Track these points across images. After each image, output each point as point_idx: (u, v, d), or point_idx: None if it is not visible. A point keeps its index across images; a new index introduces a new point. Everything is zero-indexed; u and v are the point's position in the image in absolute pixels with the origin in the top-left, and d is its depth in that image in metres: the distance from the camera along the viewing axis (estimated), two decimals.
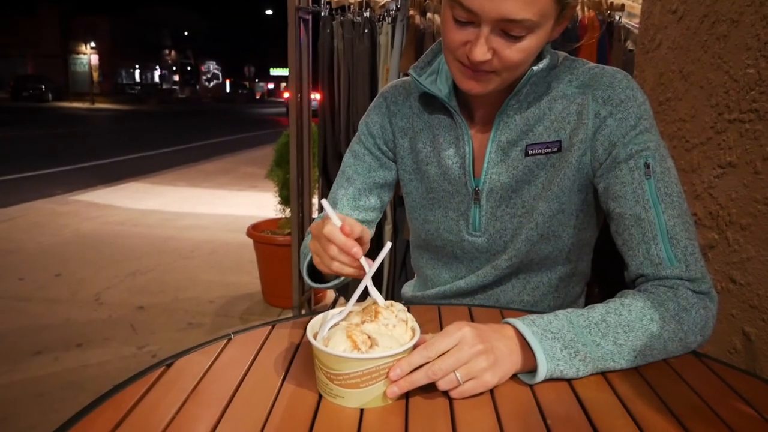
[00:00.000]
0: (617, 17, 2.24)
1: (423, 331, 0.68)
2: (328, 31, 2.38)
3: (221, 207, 5.60)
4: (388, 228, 2.51)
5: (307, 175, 2.64)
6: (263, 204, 4.38)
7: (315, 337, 0.63)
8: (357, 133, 1.05)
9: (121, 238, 4.34)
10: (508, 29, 0.74)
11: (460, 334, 0.65)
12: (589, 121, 0.85)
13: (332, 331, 0.63)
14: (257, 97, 58.80)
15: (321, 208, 0.76)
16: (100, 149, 10.61)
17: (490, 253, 0.95)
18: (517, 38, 0.75)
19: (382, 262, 2.54)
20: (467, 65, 0.79)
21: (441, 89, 0.92)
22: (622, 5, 2.24)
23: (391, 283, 2.55)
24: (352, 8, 2.38)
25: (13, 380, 2.25)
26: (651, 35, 1.61)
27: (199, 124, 19.52)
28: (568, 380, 0.70)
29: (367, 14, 2.34)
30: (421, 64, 0.94)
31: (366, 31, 2.32)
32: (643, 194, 0.80)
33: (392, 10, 2.34)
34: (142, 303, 3.07)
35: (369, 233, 0.80)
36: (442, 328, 0.76)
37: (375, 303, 0.67)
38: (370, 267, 0.71)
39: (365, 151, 1.02)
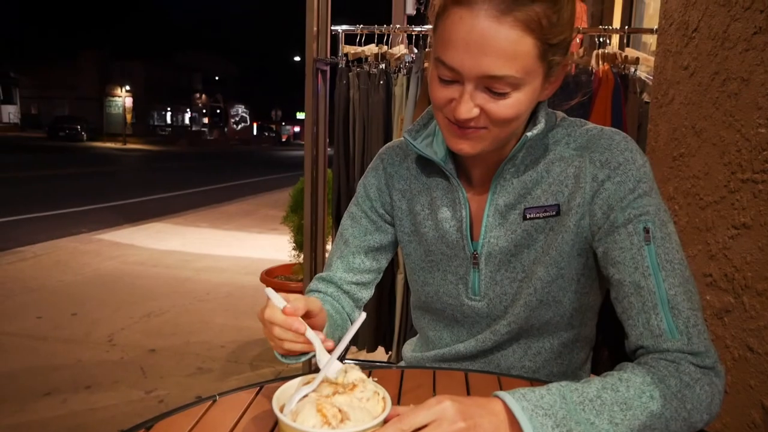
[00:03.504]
0: (632, 70, 2.24)
1: (414, 396, 0.65)
2: (345, 81, 2.42)
3: (240, 249, 5.64)
4: (400, 278, 2.48)
5: (321, 221, 2.64)
6: (282, 247, 4.40)
7: (282, 409, 0.60)
8: (355, 195, 1.04)
9: (140, 279, 4.38)
10: (491, 86, 0.73)
11: (440, 408, 0.61)
12: (587, 184, 0.82)
13: (301, 404, 0.60)
14: (283, 139, 60.11)
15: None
16: (128, 189, 10.88)
17: (490, 318, 0.92)
18: (502, 95, 0.74)
19: (393, 321, 2.52)
20: (455, 123, 0.79)
21: (437, 152, 0.91)
22: (637, 58, 2.24)
23: (402, 338, 2.50)
24: (368, 60, 2.42)
25: (20, 421, 2.24)
26: (664, 90, 1.60)
27: (225, 166, 19.95)
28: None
29: (382, 66, 2.38)
30: (417, 127, 0.94)
31: (381, 82, 2.36)
32: (642, 260, 0.76)
33: (408, 62, 2.38)
34: (154, 345, 3.06)
35: (318, 306, 0.79)
36: (435, 394, 0.73)
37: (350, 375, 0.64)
38: (321, 340, 0.72)
39: (362, 213, 1.01)
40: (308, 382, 0.64)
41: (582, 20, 3.38)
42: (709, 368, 0.72)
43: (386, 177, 1.00)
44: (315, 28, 2.40)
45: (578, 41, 2.68)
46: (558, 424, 0.64)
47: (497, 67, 0.71)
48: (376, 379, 0.68)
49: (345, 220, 1.04)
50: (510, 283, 0.89)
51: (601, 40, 2.33)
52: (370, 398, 0.62)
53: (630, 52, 2.31)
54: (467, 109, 0.75)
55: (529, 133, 0.81)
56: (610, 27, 2.94)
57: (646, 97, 2.29)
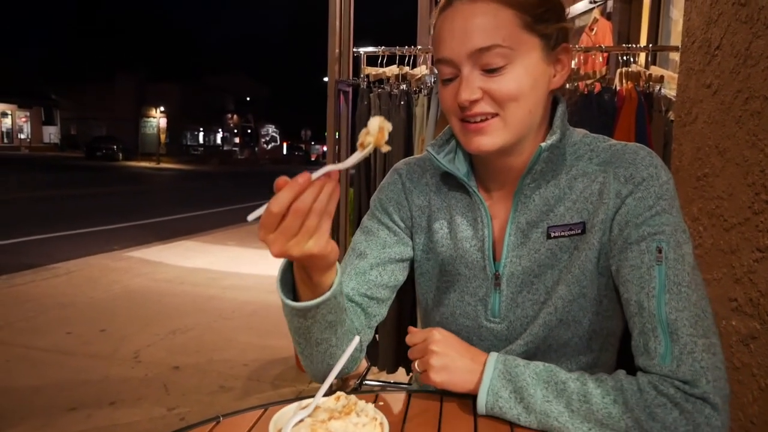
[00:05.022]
0: (657, 88, 2.20)
1: (419, 421, 0.65)
2: (366, 102, 2.44)
3: (266, 267, 5.67)
4: None
5: (342, 241, 2.65)
6: None
7: None
8: (369, 211, 1.00)
9: (167, 296, 4.45)
10: (484, 63, 0.77)
11: (429, 334, 0.81)
12: (611, 200, 0.80)
13: (296, 429, 0.60)
14: (312, 158, 60.80)
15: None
16: (160, 207, 11.12)
17: (508, 341, 0.89)
18: (498, 70, 0.77)
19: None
20: (463, 118, 0.80)
21: (459, 168, 0.90)
22: (661, 77, 2.21)
23: None
24: (389, 81, 2.45)
25: None
26: (687, 108, 1.57)
27: (255, 184, 20.21)
28: (512, 425, 0.75)
29: (403, 87, 2.40)
30: (439, 142, 0.91)
31: (402, 102, 2.37)
32: (650, 281, 0.74)
33: (429, 83, 2.40)
34: (178, 363, 3.09)
35: None
36: (440, 424, 0.76)
37: (349, 397, 0.64)
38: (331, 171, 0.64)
39: (379, 226, 0.96)
40: (305, 407, 0.63)
41: (607, 38, 3.35)
42: (698, 398, 0.69)
43: (405, 191, 0.97)
44: (337, 50, 2.44)
45: (602, 59, 2.65)
46: (516, 390, 0.74)
47: (481, 39, 0.75)
48: (381, 403, 0.68)
49: (358, 236, 0.97)
50: (531, 305, 0.86)
51: (624, 58, 2.31)
52: (366, 423, 0.61)
53: (655, 70, 2.28)
54: (469, 92, 0.77)
55: (543, 144, 0.80)
56: (634, 45, 2.90)
57: (671, 116, 2.25)
